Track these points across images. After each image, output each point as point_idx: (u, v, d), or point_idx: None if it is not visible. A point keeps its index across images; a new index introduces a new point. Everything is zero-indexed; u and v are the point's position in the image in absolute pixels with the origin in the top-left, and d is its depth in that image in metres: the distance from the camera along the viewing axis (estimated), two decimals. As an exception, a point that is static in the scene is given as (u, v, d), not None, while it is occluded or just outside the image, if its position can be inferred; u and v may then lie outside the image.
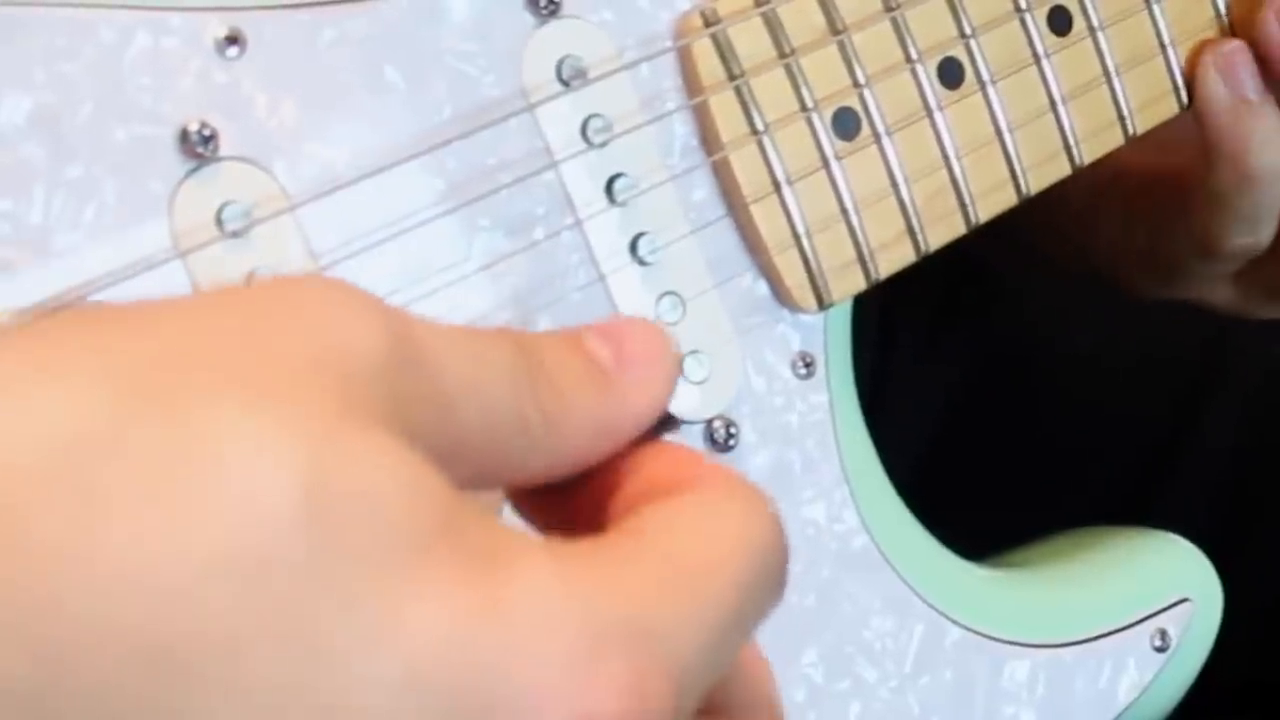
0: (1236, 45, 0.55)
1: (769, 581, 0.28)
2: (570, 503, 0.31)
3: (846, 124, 0.49)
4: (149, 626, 0.24)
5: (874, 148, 0.49)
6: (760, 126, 0.47)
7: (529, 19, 0.44)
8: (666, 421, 0.32)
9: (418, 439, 0.27)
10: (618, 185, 0.45)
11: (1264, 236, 0.58)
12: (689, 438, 0.47)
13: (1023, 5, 0.52)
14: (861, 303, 0.51)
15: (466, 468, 0.29)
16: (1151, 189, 0.61)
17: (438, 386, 0.28)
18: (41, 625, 0.24)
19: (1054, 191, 0.54)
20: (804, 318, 0.49)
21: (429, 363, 0.27)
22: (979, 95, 0.51)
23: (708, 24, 0.47)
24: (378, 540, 0.25)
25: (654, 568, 0.27)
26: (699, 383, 0.47)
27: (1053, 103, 0.53)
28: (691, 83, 0.47)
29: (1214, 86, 0.55)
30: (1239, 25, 0.57)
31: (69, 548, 0.24)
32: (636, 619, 0.26)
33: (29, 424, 0.24)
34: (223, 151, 0.40)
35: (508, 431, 0.29)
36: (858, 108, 0.49)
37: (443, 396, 0.28)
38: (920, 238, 0.50)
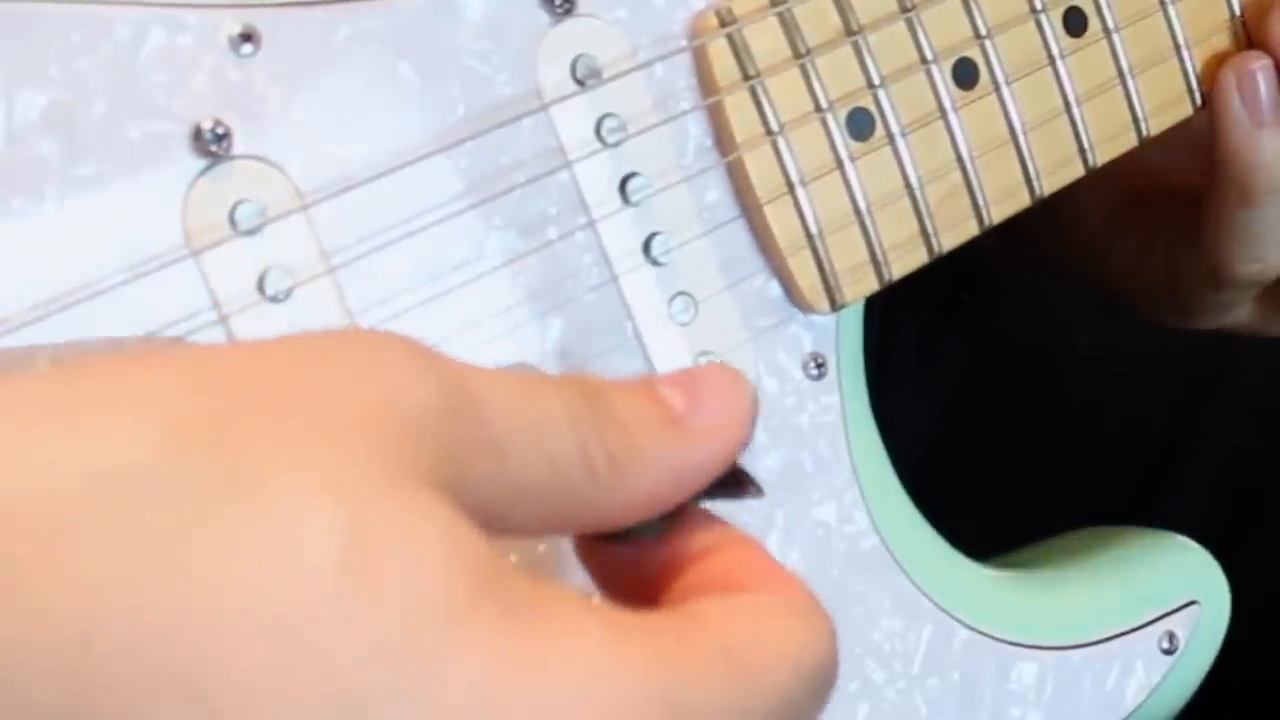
0: (1260, 64, 0.55)
1: (816, 702, 0.28)
2: (640, 569, 0.31)
3: (861, 125, 0.48)
4: (183, 667, 0.24)
5: (888, 149, 0.49)
6: (775, 127, 0.47)
7: (544, 18, 0.44)
8: (742, 482, 0.32)
9: (469, 487, 0.27)
10: (631, 185, 0.45)
11: (1271, 262, 0.57)
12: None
13: (1038, 6, 0.52)
14: (865, 301, 0.51)
15: (532, 512, 0.28)
16: (1166, 216, 0.60)
17: (493, 433, 0.27)
18: (75, 657, 0.24)
19: (1068, 216, 0.54)
20: (816, 319, 0.49)
21: (483, 410, 0.27)
22: (993, 96, 0.51)
23: (723, 24, 0.46)
24: (416, 598, 0.25)
25: (707, 653, 0.27)
26: (711, 384, 0.47)
27: (1067, 104, 0.52)
28: (706, 83, 0.46)
29: (1232, 104, 0.55)
30: (1252, 30, 0.56)
31: (109, 580, 0.24)
32: (681, 698, 0.26)
33: (79, 453, 0.24)
34: (236, 150, 0.39)
35: (573, 477, 0.29)
36: (872, 108, 0.49)
37: (499, 443, 0.28)
38: (934, 239, 0.50)
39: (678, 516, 0.30)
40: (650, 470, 0.30)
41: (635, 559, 0.31)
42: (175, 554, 0.24)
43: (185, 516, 0.24)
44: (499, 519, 0.28)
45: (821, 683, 0.28)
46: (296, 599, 0.24)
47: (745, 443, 0.31)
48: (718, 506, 0.32)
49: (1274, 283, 0.59)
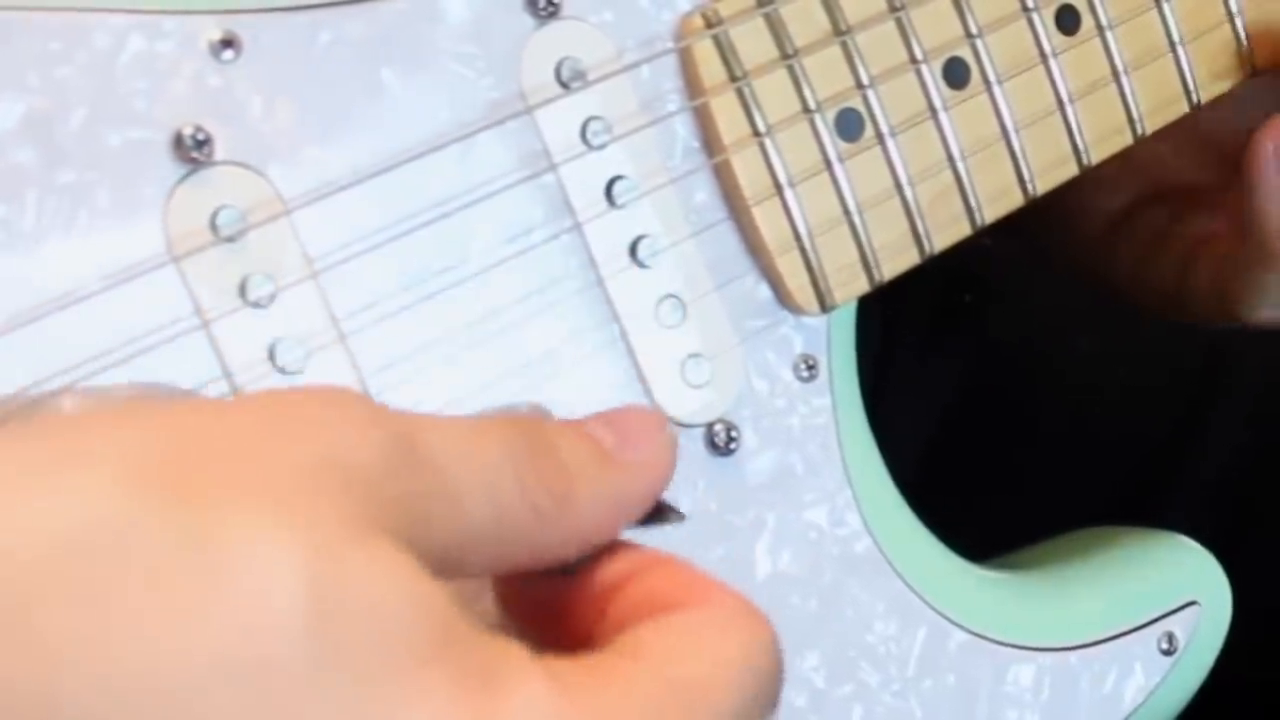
0: None
1: (764, 703, 0.29)
2: (565, 605, 0.31)
3: (850, 125, 0.48)
4: None
5: (878, 149, 0.49)
6: (762, 128, 0.47)
7: (528, 20, 0.44)
8: (665, 511, 0.33)
9: (425, 538, 0.27)
10: (617, 188, 0.45)
11: None
12: (690, 442, 0.47)
13: (1030, 4, 0.51)
14: (862, 303, 0.50)
15: (483, 556, 0.29)
16: (1178, 218, 0.60)
17: (443, 482, 0.28)
18: (42, 715, 0.23)
19: (1071, 222, 0.54)
20: (806, 320, 0.49)
21: (432, 461, 0.28)
22: (985, 95, 0.51)
23: (709, 25, 0.46)
24: (378, 651, 0.25)
25: (651, 691, 0.27)
26: (699, 386, 0.47)
27: (1060, 103, 0.52)
28: (693, 84, 0.46)
29: (1267, 174, 0.54)
30: (1258, 44, 0.56)
31: (73, 643, 0.24)
32: None
33: (39, 517, 0.24)
34: (217, 156, 0.39)
35: (519, 516, 0.30)
36: (861, 109, 0.48)
37: (449, 492, 0.28)
38: (925, 240, 0.50)
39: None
40: (590, 505, 0.31)
41: (562, 594, 0.31)
42: (139, 614, 0.24)
43: (148, 575, 0.24)
44: (453, 565, 0.28)
45: (769, 682, 0.29)
46: (261, 652, 0.24)
47: (671, 475, 0.33)
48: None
49: None
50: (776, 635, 0.29)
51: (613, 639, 0.29)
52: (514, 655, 0.27)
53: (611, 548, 0.32)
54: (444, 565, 0.28)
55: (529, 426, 0.30)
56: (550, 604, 0.31)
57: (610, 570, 0.31)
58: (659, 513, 0.33)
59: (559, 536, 0.30)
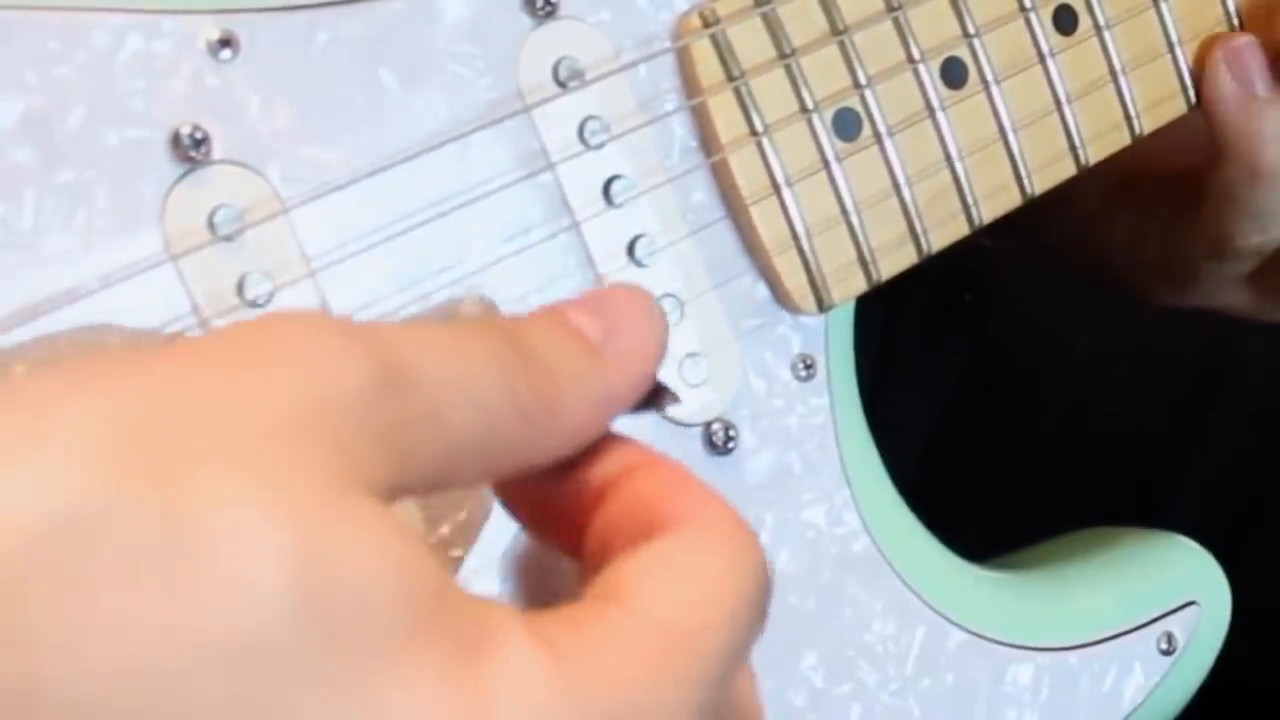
0: (1246, 40, 0.55)
1: (755, 628, 0.28)
2: (560, 501, 0.31)
3: (847, 124, 0.48)
4: (134, 713, 0.23)
5: (875, 148, 0.49)
6: (760, 127, 0.47)
7: (526, 20, 0.44)
8: (658, 395, 0.32)
9: (415, 460, 0.27)
10: (615, 187, 0.45)
11: (1276, 234, 0.57)
12: (688, 441, 0.47)
13: (1027, 4, 0.52)
14: (862, 302, 0.51)
15: (472, 467, 0.28)
16: (1163, 193, 0.60)
17: (428, 400, 0.27)
18: (19, 712, 0.23)
19: (1065, 196, 0.54)
20: (804, 319, 0.49)
21: (415, 379, 0.27)
22: (983, 95, 0.51)
23: (707, 24, 0.46)
24: (365, 628, 0.25)
25: (642, 643, 0.27)
26: (697, 385, 0.47)
27: (1058, 102, 0.52)
28: (690, 84, 0.46)
29: (1223, 82, 0.55)
30: (1249, 24, 0.56)
31: (52, 636, 0.23)
32: (627, 704, 0.26)
33: (11, 502, 0.24)
34: (215, 155, 0.39)
35: (507, 424, 0.29)
36: (859, 108, 0.48)
37: (435, 409, 0.27)
38: (923, 239, 0.50)
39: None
40: (578, 403, 0.30)
41: (555, 492, 0.30)
42: (118, 599, 0.23)
43: (128, 559, 0.24)
44: (442, 480, 0.28)
45: (758, 606, 0.28)
46: (245, 633, 0.24)
47: (661, 360, 0.31)
48: None
49: (1265, 265, 0.59)
50: (760, 548, 0.29)
51: (600, 560, 0.29)
52: (502, 621, 0.26)
53: (603, 443, 0.31)
54: (434, 483, 0.27)
55: (511, 329, 0.29)
56: (547, 500, 0.31)
57: (601, 468, 0.30)
58: (652, 397, 0.32)
59: (549, 439, 0.29)
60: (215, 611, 0.24)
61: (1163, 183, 0.61)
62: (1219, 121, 0.55)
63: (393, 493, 0.26)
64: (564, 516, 0.31)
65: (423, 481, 0.27)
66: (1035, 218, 0.59)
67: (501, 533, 0.38)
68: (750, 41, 0.47)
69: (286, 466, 0.25)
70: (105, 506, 0.24)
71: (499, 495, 0.32)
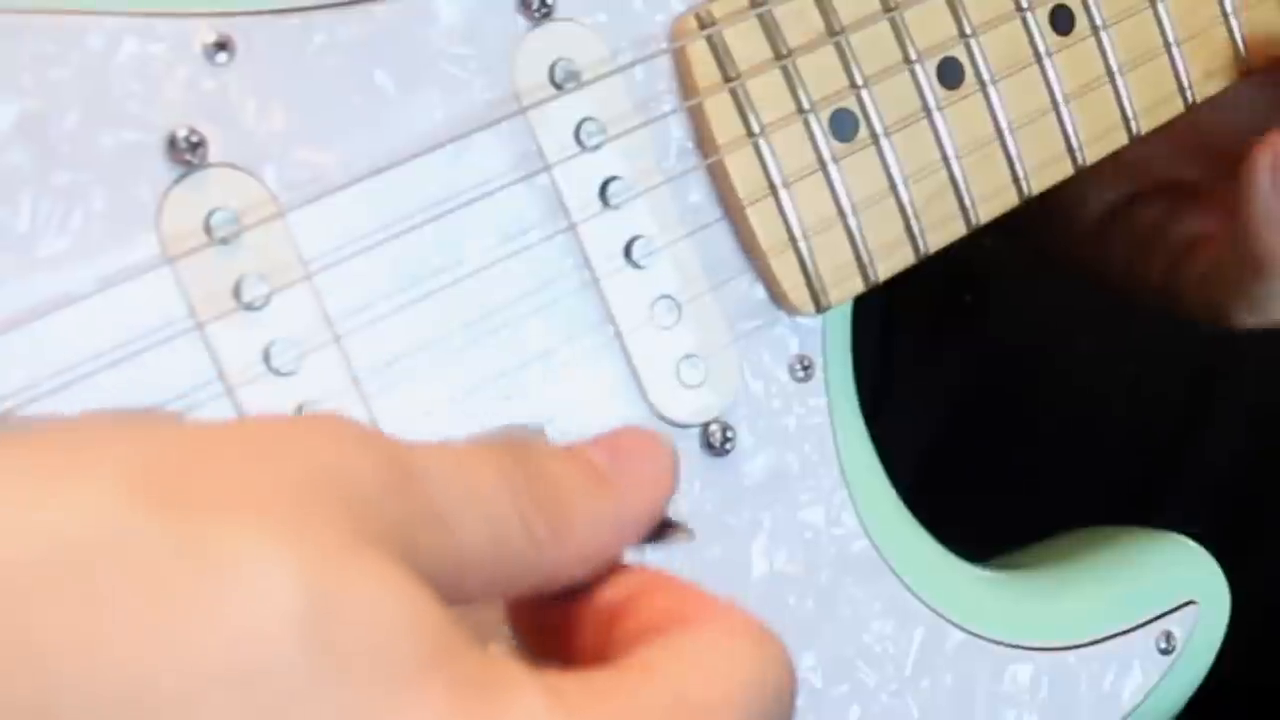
0: None
1: (778, 715, 0.28)
2: (573, 628, 0.31)
3: (844, 125, 0.48)
4: None
5: (872, 149, 0.49)
6: (756, 128, 0.47)
7: (521, 22, 0.44)
8: (670, 527, 0.32)
9: (420, 560, 0.27)
10: (612, 188, 0.45)
11: (1275, 317, 0.57)
12: (685, 443, 0.47)
13: (1024, 4, 0.51)
14: (863, 303, 0.51)
15: (480, 580, 0.29)
16: (1171, 216, 0.60)
17: (436, 508, 0.28)
18: None
19: (1064, 213, 0.54)
20: (802, 320, 0.49)
21: (426, 486, 0.28)
22: (979, 95, 0.51)
23: (703, 26, 0.46)
24: (374, 660, 0.25)
25: (660, 705, 0.27)
26: (695, 387, 0.47)
27: (1055, 103, 0.52)
28: (687, 85, 0.46)
29: (1261, 185, 0.54)
30: (1252, 50, 0.56)
31: (68, 652, 0.24)
32: None
33: (37, 522, 0.24)
34: (211, 158, 0.40)
35: (514, 542, 0.29)
36: (855, 109, 0.48)
37: (442, 516, 0.28)
38: (920, 240, 0.50)
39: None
40: (587, 529, 0.30)
41: (567, 615, 0.31)
42: (135, 623, 0.24)
43: (146, 582, 0.24)
44: (451, 590, 0.28)
45: (782, 697, 0.28)
46: (257, 664, 0.24)
47: (671, 492, 0.32)
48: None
49: None
50: (787, 651, 0.29)
51: (619, 659, 0.29)
52: (512, 670, 0.26)
53: (615, 569, 0.31)
54: (440, 589, 0.28)
55: (522, 451, 0.30)
56: (558, 626, 0.31)
57: (614, 591, 0.31)
58: (665, 530, 0.32)
59: (558, 562, 0.30)
60: (226, 638, 0.24)
61: (1171, 203, 0.60)
62: (1245, 215, 0.54)
63: None
64: (573, 638, 0.31)
65: (428, 579, 0.27)
66: (1034, 233, 0.59)
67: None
68: (746, 42, 0.47)
69: (301, 517, 0.26)
70: (126, 531, 0.24)
71: (508, 618, 0.32)
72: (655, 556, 0.33)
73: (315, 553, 0.25)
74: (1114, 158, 0.54)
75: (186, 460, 0.26)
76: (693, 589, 0.31)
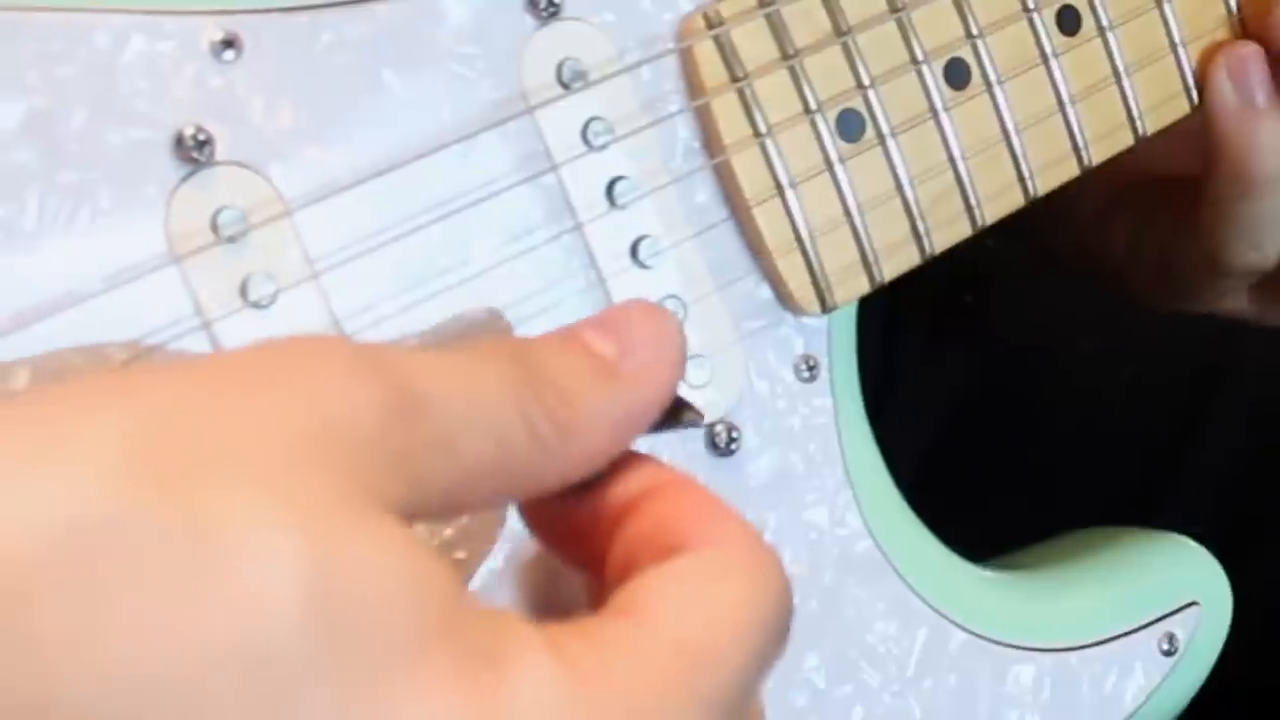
0: (1250, 50, 0.55)
1: (776, 646, 0.28)
2: (584, 523, 0.31)
3: (851, 125, 0.48)
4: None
5: (879, 149, 0.49)
6: (763, 128, 0.47)
7: (529, 21, 0.44)
8: (680, 411, 0.32)
9: (426, 485, 0.27)
10: (618, 188, 0.45)
11: (1270, 252, 0.57)
12: (691, 443, 0.47)
13: (1030, 5, 0.51)
14: (865, 303, 0.50)
15: (485, 490, 0.28)
16: (1162, 201, 0.60)
17: (441, 426, 0.27)
18: (37, 715, 0.23)
19: (1065, 203, 0.54)
20: (807, 321, 0.49)
21: (427, 405, 0.27)
22: (986, 96, 0.51)
23: (710, 25, 0.46)
24: (378, 639, 0.25)
25: (656, 658, 0.26)
26: (700, 387, 0.47)
27: (1061, 103, 0.52)
28: (694, 85, 0.46)
29: (1223, 90, 0.54)
30: (1250, 25, 0.56)
31: (66, 641, 0.23)
32: (638, 716, 0.26)
33: (29, 510, 0.24)
34: (218, 156, 0.39)
35: (521, 448, 0.29)
36: (862, 109, 0.48)
37: (448, 434, 0.27)
38: (926, 240, 0.50)
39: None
40: (593, 425, 0.30)
41: (577, 509, 0.30)
42: (131, 605, 0.23)
43: (142, 567, 0.24)
44: (455, 504, 0.28)
45: (777, 628, 0.28)
46: (260, 643, 0.24)
47: (679, 377, 0.31)
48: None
49: (1272, 271, 0.59)
50: (785, 574, 0.29)
51: (620, 579, 0.28)
52: (517, 634, 0.26)
53: (625, 462, 0.30)
54: (447, 507, 0.27)
55: (523, 351, 0.29)
56: (568, 519, 0.30)
57: (621, 488, 0.30)
58: (674, 414, 0.31)
59: (565, 462, 0.29)
60: (228, 619, 0.24)
61: (1162, 191, 0.60)
62: (1216, 129, 0.55)
63: (404, 513, 0.26)
64: (584, 536, 0.31)
65: (436, 506, 0.27)
66: (1035, 223, 0.59)
67: (512, 541, 0.38)
68: (754, 42, 0.47)
69: (299, 481, 0.25)
70: (120, 514, 0.24)
71: (522, 513, 0.31)
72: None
73: (314, 528, 0.24)
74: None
75: (174, 428, 0.25)
76: (697, 494, 0.30)
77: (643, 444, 0.31)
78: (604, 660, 0.26)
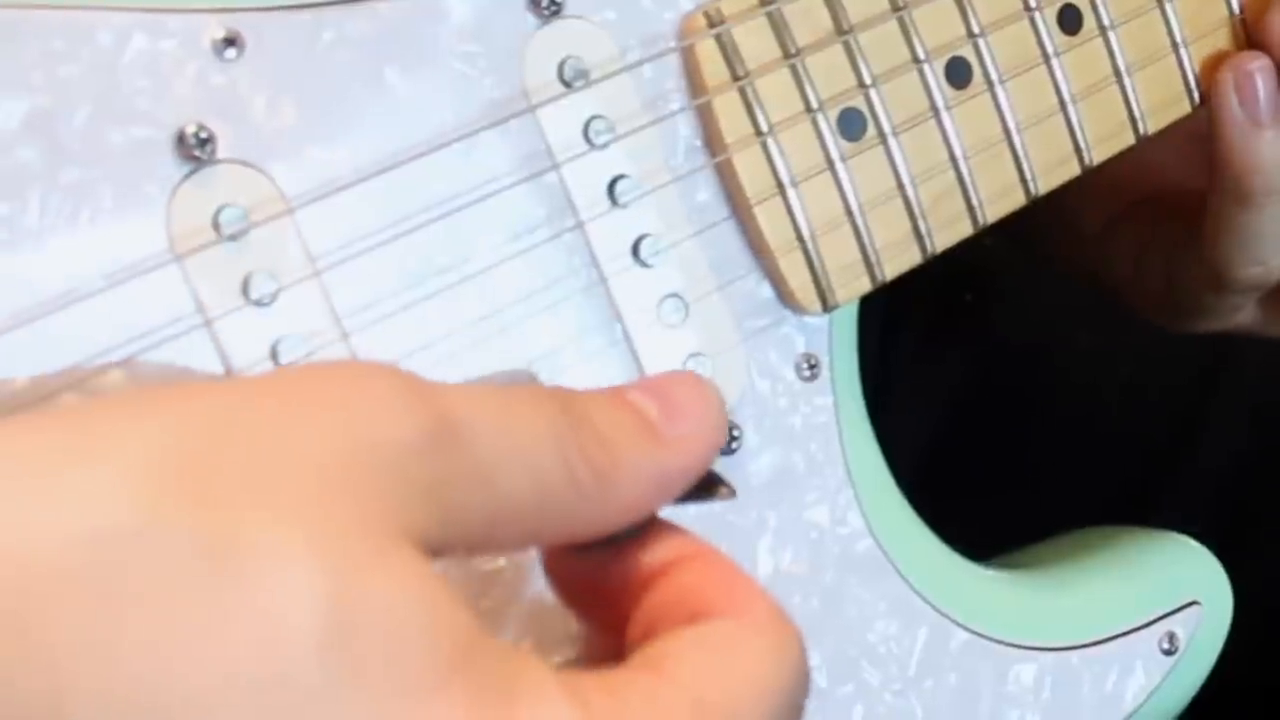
0: (1258, 64, 0.54)
1: (791, 718, 0.28)
2: (608, 584, 0.31)
3: (852, 124, 0.48)
4: None
5: (880, 148, 0.49)
6: (765, 127, 0.47)
7: (531, 19, 0.44)
8: (713, 486, 0.32)
9: (459, 518, 0.27)
10: (620, 187, 0.45)
11: (1273, 265, 0.57)
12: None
13: (1032, 4, 0.51)
14: (865, 301, 0.50)
15: (517, 531, 0.28)
16: (1165, 220, 0.60)
17: (479, 460, 0.27)
18: None
19: (1068, 219, 0.54)
20: (808, 319, 0.49)
21: (468, 438, 0.27)
22: (987, 95, 0.51)
23: (712, 24, 0.46)
24: (392, 671, 0.25)
25: (678, 713, 0.26)
26: (701, 386, 0.47)
27: (1062, 103, 0.52)
28: (695, 83, 0.46)
29: (1229, 104, 0.54)
30: (1251, 26, 0.56)
31: (80, 653, 0.23)
32: None
33: (50, 520, 0.24)
34: (220, 154, 0.39)
35: (559, 491, 0.29)
36: (864, 108, 0.48)
37: (485, 469, 0.28)
38: (927, 239, 0.50)
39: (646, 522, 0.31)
40: (632, 480, 0.30)
41: (603, 571, 0.30)
42: (152, 621, 0.23)
43: (164, 582, 0.24)
44: (486, 541, 0.28)
45: (795, 700, 0.28)
46: (276, 668, 0.24)
47: (719, 449, 0.31)
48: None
49: (1276, 287, 0.58)
50: (805, 651, 0.29)
51: (641, 643, 0.29)
52: (533, 672, 0.26)
53: (655, 530, 0.31)
54: (479, 543, 0.27)
55: (569, 397, 0.29)
56: (591, 577, 0.31)
57: (649, 555, 0.30)
58: (707, 487, 0.32)
59: (598, 512, 0.29)
60: (245, 642, 0.24)
61: (1165, 208, 0.60)
62: (1221, 143, 0.55)
63: (433, 545, 0.26)
64: (606, 596, 0.31)
65: (467, 540, 0.27)
66: (1038, 240, 0.59)
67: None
68: (755, 41, 0.47)
69: (328, 508, 0.25)
70: (146, 527, 0.24)
71: (546, 568, 0.32)
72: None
73: (337, 557, 0.25)
74: (1117, 163, 0.54)
75: (205, 445, 0.25)
76: (723, 567, 0.30)
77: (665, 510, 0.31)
78: (622, 709, 0.26)
